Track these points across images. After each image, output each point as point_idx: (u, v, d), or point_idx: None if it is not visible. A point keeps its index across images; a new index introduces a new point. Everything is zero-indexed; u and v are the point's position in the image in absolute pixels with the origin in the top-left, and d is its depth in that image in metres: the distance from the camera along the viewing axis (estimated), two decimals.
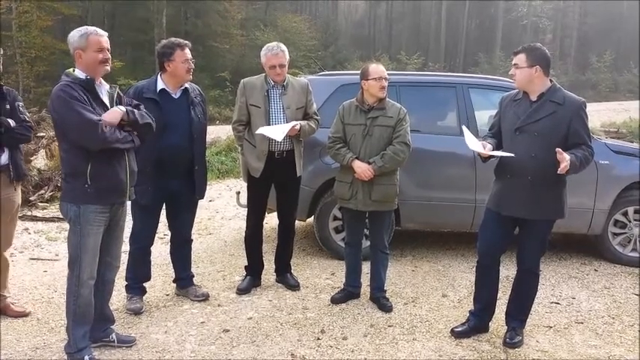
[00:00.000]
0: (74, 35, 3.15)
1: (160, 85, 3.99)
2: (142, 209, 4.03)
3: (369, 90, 4.11)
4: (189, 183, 4.12)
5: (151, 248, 4.26)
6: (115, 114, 3.14)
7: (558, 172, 3.25)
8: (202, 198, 4.30)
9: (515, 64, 3.52)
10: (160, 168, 3.93)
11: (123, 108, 3.21)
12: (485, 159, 3.62)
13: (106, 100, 3.22)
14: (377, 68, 4.11)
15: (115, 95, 3.30)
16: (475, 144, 3.55)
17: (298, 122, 4.25)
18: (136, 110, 3.28)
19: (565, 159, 3.21)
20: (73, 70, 3.17)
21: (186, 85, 4.08)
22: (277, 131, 4.11)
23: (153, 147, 3.83)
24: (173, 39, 4.04)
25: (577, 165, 3.29)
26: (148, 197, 3.94)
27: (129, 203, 3.52)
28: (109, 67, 3.22)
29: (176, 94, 4.04)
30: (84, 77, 3.12)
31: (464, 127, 3.83)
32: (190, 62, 3.98)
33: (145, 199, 3.94)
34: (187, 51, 3.97)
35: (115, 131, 3.12)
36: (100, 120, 3.05)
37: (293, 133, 4.22)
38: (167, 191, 4.06)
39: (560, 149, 3.24)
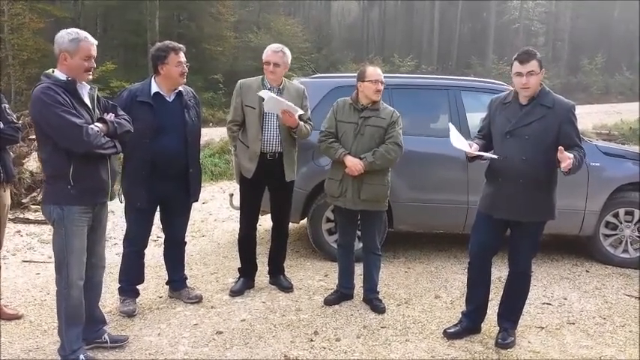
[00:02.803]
0: (64, 37, 3.10)
1: (154, 89, 3.98)
2: (137, 212, 4.03)
3: (364, 92, 4.14)
4: (183, 186, 4.12)
5: (145, 250, 4.25)
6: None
7: (562, 168, 3.24)
8: (197, 201, 4.30)
9: (531, 72, 3.40)
10: (154, 171, 3.93)
11: (107, 119, 3.22)
12: (472, 159, 3.63)
13: (87, 101, 3.20)
14: (374, 71, 4.14)
15: (95, 96, 3.29)
16: (461, 142, 3.55)
17: (299, 112, 4.19)
18: (115, 120, 3.28)
19: (568, 157, 3.20)
20: (53, 71, 3.13)
21: (180, 88, 4.08)
22: (279, 102, 4.10)
23: (147, 150, 3.83)
24: (168, 42, 4.03)
25: (576, 165, 3.30)
26: (143, 200, 3.94)
27: (110, 203, 3.51)
28: (91, 76, 3.21)
29: (170, 97, 4.04)
30: (65, 79, 3.08)
31: (450, 125, 3.77)
32: (184, 66, 3.97)
33: (140, 202, 3.94)
34: (182, 54, 3.97)
35: (99, 136, 3.11)
36: (84, 123, 3.04)
37: (288, 120, 4.18)
38: (161, 194, 4.05)
39: (562, 148, 3.23)
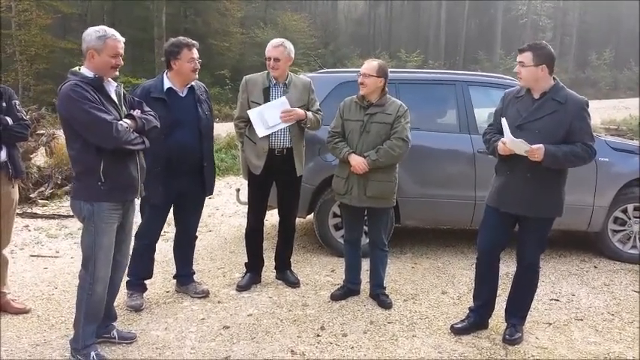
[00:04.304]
0: (91, 34, 3.10)
1: (167, 84, 4.00)
2: (152, 207, 4.03)
3: None
4: (198, 180, 4.15)
5: (155, 245, 4.25)
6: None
7: (525, 153, 3.32)
8: (211, 194, 4.33)
9: (521, 62, 3.47)
10: (169, 166, 3.94)
11: (135, 115, 3.24)
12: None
13: (114, 97, 3.22)
14: (365, 64, 4.14)
15: (122, 93, 3.31)
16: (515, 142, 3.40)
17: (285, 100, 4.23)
18: (142, 116, 3.29)
19: (538, 147, 3.30)
20: (79, 69, 3.14)
21: (192, 83, 4.09)
22: (270, 115, 4.16)
23: (162, 146, 3.83)
24: (181, 38, 4.04)
25: (558, 157, 3.33)
26: (159, 196, 3.94)
27: (137, 200, 3.52)
28: (117, 73, 3.23)
29: (183, 93, 4.05)
30: (92, 76, 3.10)
31: (503, 120, 3.52)
32: (196, 62, 3.99)
33: (157, 198, 3.93)
34: (194, 51, 3.99)
35: (128, 131, 3.12)
36: (113, 119, 3.05)
37: (292, 117, 4.19)
38: (178, 190, 4.06)
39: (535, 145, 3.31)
